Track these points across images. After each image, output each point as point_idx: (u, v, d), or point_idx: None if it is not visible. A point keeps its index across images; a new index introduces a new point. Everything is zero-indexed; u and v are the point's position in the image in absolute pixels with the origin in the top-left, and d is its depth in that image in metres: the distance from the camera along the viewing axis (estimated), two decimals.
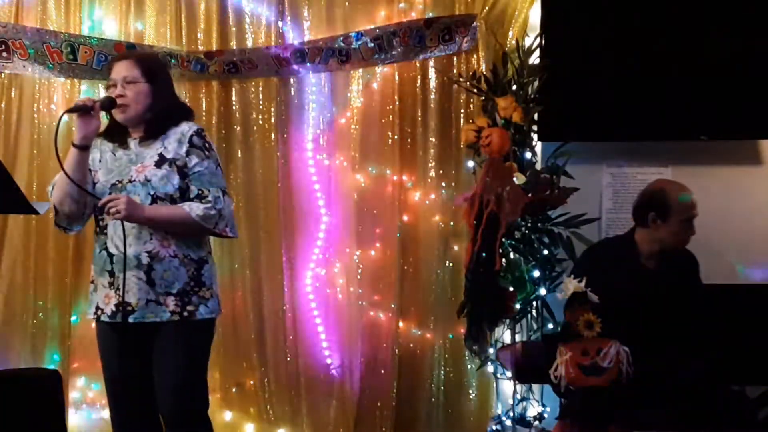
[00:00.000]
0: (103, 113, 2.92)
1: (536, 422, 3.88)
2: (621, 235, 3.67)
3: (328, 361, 4.31)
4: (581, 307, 3.16)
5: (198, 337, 2.96)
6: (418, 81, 4.27)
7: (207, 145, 2.96)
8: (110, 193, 2.86)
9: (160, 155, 2.90)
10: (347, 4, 4.26)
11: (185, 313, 2.88)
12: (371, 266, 4.31)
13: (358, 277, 4.29)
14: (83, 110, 2.81)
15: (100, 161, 2.98)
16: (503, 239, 3.72)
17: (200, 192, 2.89)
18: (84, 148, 2.85)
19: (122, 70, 2.94)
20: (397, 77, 4.25)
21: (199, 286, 2.92)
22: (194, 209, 2.84)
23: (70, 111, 2.86)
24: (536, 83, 3.98)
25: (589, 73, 4.05)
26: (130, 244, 2.83)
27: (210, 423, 3.06)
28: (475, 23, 4.18)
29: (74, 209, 2.95)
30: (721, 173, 4.25)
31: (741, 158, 4.25)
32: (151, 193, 2.86)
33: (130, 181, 2.88)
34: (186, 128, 2.96)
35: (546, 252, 3.92)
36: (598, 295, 3.15)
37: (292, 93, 4.30)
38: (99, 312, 2.93)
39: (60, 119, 2.96)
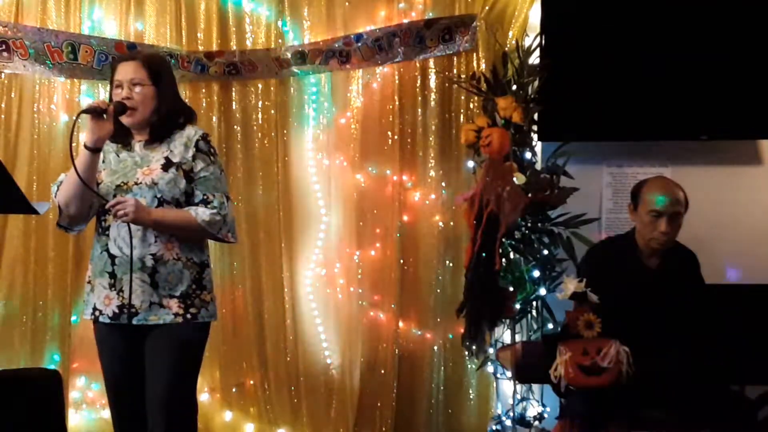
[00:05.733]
0: None
1: (536, 422, 3.88)
2: (622, 234, 3.67)
3: (328, 361, 4.31)
4: (581, 307, 3.17)
5: (194, 339, 2.95)
6: (418, 81, 4.27)
7: (212, 150, 2.98)
8: (115, 195, 2.86)
9: (167, 159, 2.91)
10: (347, 4, 4.26)
11: (188, 315, 2.89)
12: (371, 266, 4.31)
13: (358, 277, 4.29)
14: (97, 112, 2.80)
15: (103, 162, 2.96)
16: (503, 239, 3.72)
17: (205, 197, 2.90)
18: (96, 150, 2.84)
19: (129, 71, 2.91)
20: (397, 77, 4.26)
21: (200, 290, 2.93)
22: (200, 214, 2.86)
23: (85, 111, 2.82)
24: (536, 83, 3.98)
25: (589, 73, 4.05)
26: (135, 247, 2.82)
27: (196, 424, 3.03)
28: (475, 23, 4.18)
29: (80, 210, 2.93)
30: (721, 173, 4.26)
31: (741, 158, 4.25)
32: (158, 196, 2.86)
33: (135, 184, 2.88)
34: (192, 132, 2.96)
35: (546, 252, 3.93)
36: (602, 296, 3.15)
37: (292, 93, 4.30)
38: (97, 313, 2.92)
39: (76, 119, 2.94)
